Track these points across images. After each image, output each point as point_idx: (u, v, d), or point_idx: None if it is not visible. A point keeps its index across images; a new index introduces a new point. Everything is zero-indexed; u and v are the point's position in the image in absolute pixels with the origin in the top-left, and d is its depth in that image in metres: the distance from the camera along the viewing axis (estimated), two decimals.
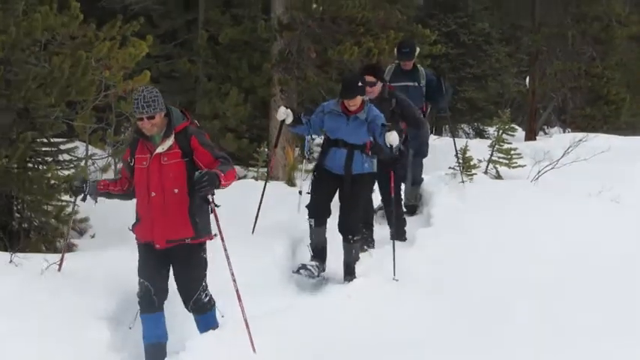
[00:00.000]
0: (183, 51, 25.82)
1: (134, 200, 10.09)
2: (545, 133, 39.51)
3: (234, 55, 25.28)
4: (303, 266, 12.62)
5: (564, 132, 34.51)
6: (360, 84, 12.24)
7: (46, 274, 11.08)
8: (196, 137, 9.65)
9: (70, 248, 15.24)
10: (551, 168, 18.15)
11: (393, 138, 11.97)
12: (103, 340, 10.48)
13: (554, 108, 43.12)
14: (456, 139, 18.79)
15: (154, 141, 9.63)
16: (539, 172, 18.15)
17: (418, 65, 16.18)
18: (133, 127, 10.23)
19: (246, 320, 9.73)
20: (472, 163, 17.83)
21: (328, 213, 12.72)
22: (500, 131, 19.11)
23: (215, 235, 9.88)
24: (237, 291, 9.74)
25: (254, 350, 9.73)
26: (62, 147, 16.64)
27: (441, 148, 18.98)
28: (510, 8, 43.99)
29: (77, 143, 17.99)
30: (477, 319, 11.50)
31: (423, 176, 17.09)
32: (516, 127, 21.77)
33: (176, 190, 9.58)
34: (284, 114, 12.84)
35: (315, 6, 23.50)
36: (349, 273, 12.66)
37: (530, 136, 37.68)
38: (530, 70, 42.55)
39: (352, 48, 22.67)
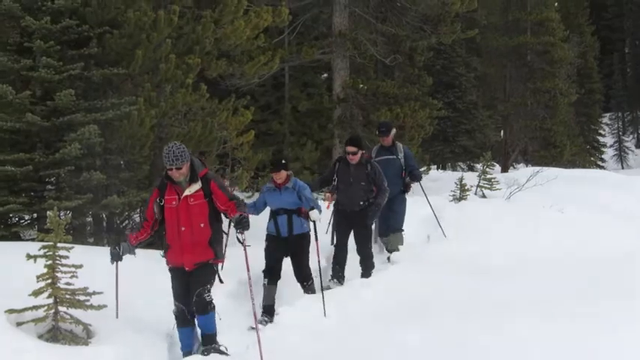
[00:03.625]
0: (275, 116, 25.76)
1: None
2: (514, 167, 39.16)
3: (308, 119, 25.35)
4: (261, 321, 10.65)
5: (527, 166, 34.19)
6: (283, 161, 11.11)
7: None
8: (215, 181, 8.67)
9: None
10: (518, 190, 18.05)
11: (314, 216, 10.92)
12: None
13: (520, 151, 42.82)
14: (454, 172, 18.55)
15: (181, 185, 8.52)
16: (510, 193, 18.07)
17: (397, 142, 14.22)
18: (162, 173, 8.81)
19: (258, 336, 8.44)
20: (466, 188, 17.75)
21: (279, 275, 11.18)
22: (484, 166, 19.08)
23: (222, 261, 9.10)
24: (254, 313, 8.74)
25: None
26: None
27: (443, 179, 18.69)
28: (489, 86, 43.82)
29: None
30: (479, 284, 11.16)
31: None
32: (495, 163, 21.74)
33: (202, 225, 8.54)
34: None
35: (361, 85, 23.60)
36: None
37: (504, 169, 37.54)
38: (503, 126, 42.49)
39: (386, 112, 22.65)
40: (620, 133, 70.54)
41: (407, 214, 14.15)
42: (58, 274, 7.95)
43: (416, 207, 15.17)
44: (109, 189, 13.35)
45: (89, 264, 8.09)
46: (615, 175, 29.47)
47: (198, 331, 8.84)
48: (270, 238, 11.14)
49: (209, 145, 15.48)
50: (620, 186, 22.43)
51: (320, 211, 11.00)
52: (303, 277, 11.23)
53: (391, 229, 13.94)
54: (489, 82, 44.09)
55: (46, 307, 7.95)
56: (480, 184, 18.80)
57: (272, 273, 10.95)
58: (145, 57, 13.53)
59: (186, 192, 8.49)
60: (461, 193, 17.72)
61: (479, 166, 22.72)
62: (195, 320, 8.72)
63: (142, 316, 9.07)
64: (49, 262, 7.90)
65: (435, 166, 41.16)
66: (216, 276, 8.86)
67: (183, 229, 8.51)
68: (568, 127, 45.15)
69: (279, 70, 22.89)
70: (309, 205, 10.91)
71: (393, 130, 14.10)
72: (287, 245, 11.05)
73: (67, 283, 8.01)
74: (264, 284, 10.95)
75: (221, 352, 8.63)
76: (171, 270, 8.81)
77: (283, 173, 10.90)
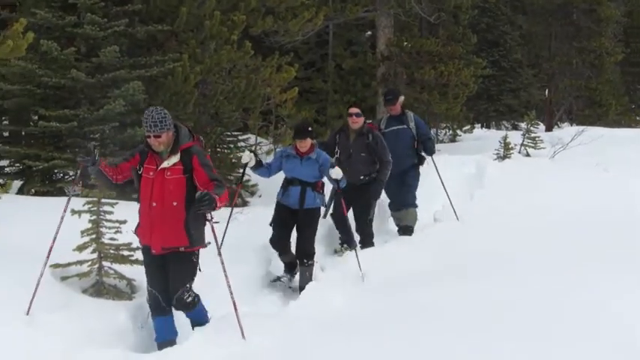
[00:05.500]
0: (319, 74, 25.69)
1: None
2: (559, 127, 38.77)
3: (352, 77, 25.24)
4: (278, 278, 10.42)
5: (571, 125, 33.90)
6: (309, 129, 10.06)
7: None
8: (198, 157, 7.38)
9: (245, 204, 15.22)
10: (563, 149, 18.02)
11: (336, 173, 10.02)
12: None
13: (565, 110, 42.37)
14: (498, 130, 18.32)
15: (161, 155, 7.36)
16: (554, 152, 18.03)
17: (406, 110, 12.85)
18: (144, 140, 7.58)
19: (237, 314, 7.31)
20: (510, 147, 17.62)
21: (289, 246, 10.37)
22: (529, 125, 18.97)
23: (208, 243, 7.58)
24: (231, 293, 7.34)
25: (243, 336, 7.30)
26: (240, 137, 16.59)
27: (487, 137, 18.58)
28: (534, 44, 43.22)
29: (249, 135, 17.97)
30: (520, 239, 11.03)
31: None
32: (539, 122, 21.57)
33: (175, 203, 7.31)
34: (248, 157, 10.16)
35: (405, 43, 23.43)
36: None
37: (549, 128, 37.08)
38: (548, 85, 41.95)
39: (430, 71, 22.54)
40: None
41: (450, 172, 13.93)
42: (102, 230, 7.97)
43: (459, 165, 15.04)
44: None
45: (133, 219, 8.01)
46: None
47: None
48: (279, 208, 10.38)
49: (253, 102, 15.45)
50: None
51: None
52: (305, 253, 10.18)
53: (403, 204, 12.73)
54: (534, 41, 43.40)
55: (90, 262, 7.97)
56: (524, 142, 18.68)
57: (280, 247, 10.33)
58: (189, 14, 13.48)
59: (164, 164, 7.38)
60: (505, 151, 17.60)
61: (523, 124, 22.58)
62: (174, 309, 7.69)
63: None
64: (94, 217, 7.91)
65: (479, 125, 41.05)
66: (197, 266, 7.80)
67: (154, 204, 7.39)
68: (613, 87, 44.42)
69: (323, 28, 22.75)
70: (326, 174, 10.16)
71: (401, 98, 12.89)
72: (295, 218, 10.25)
73: (111, 239, 8.02)
74: (278, 255, 10.49)
75: None
76: (142, 250, 7.75)
77: (309, 141, 10.05)
